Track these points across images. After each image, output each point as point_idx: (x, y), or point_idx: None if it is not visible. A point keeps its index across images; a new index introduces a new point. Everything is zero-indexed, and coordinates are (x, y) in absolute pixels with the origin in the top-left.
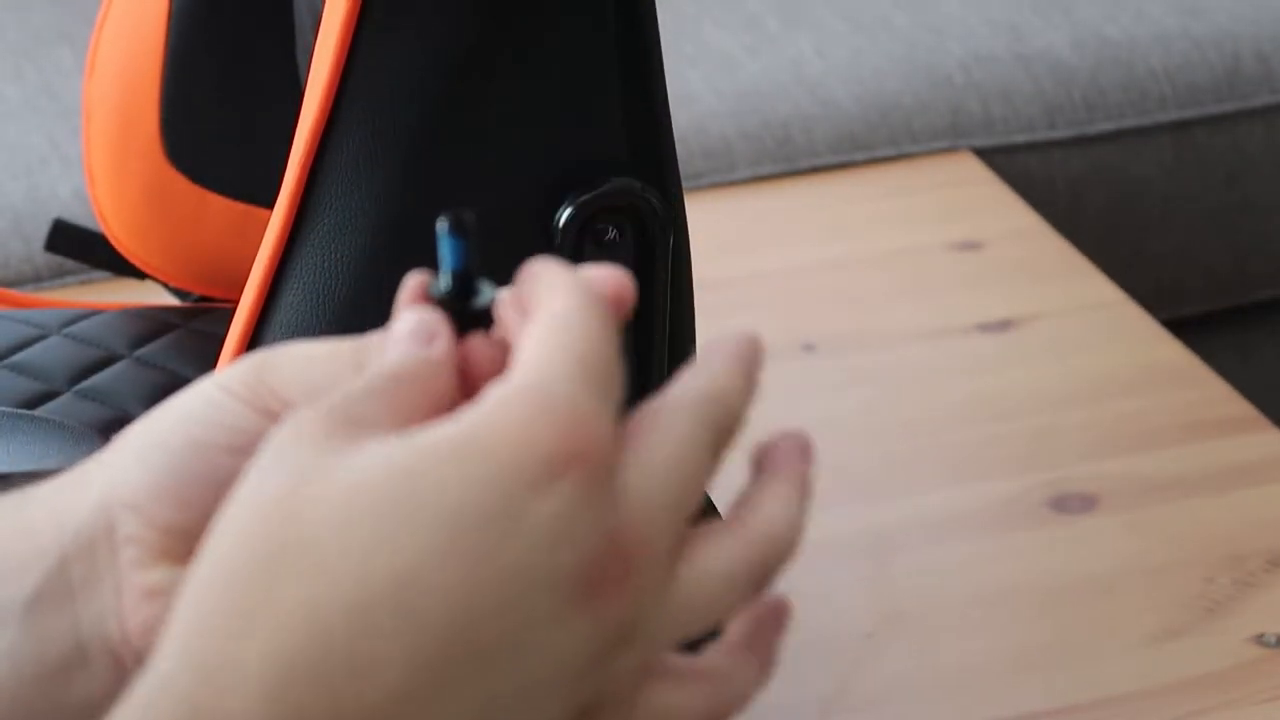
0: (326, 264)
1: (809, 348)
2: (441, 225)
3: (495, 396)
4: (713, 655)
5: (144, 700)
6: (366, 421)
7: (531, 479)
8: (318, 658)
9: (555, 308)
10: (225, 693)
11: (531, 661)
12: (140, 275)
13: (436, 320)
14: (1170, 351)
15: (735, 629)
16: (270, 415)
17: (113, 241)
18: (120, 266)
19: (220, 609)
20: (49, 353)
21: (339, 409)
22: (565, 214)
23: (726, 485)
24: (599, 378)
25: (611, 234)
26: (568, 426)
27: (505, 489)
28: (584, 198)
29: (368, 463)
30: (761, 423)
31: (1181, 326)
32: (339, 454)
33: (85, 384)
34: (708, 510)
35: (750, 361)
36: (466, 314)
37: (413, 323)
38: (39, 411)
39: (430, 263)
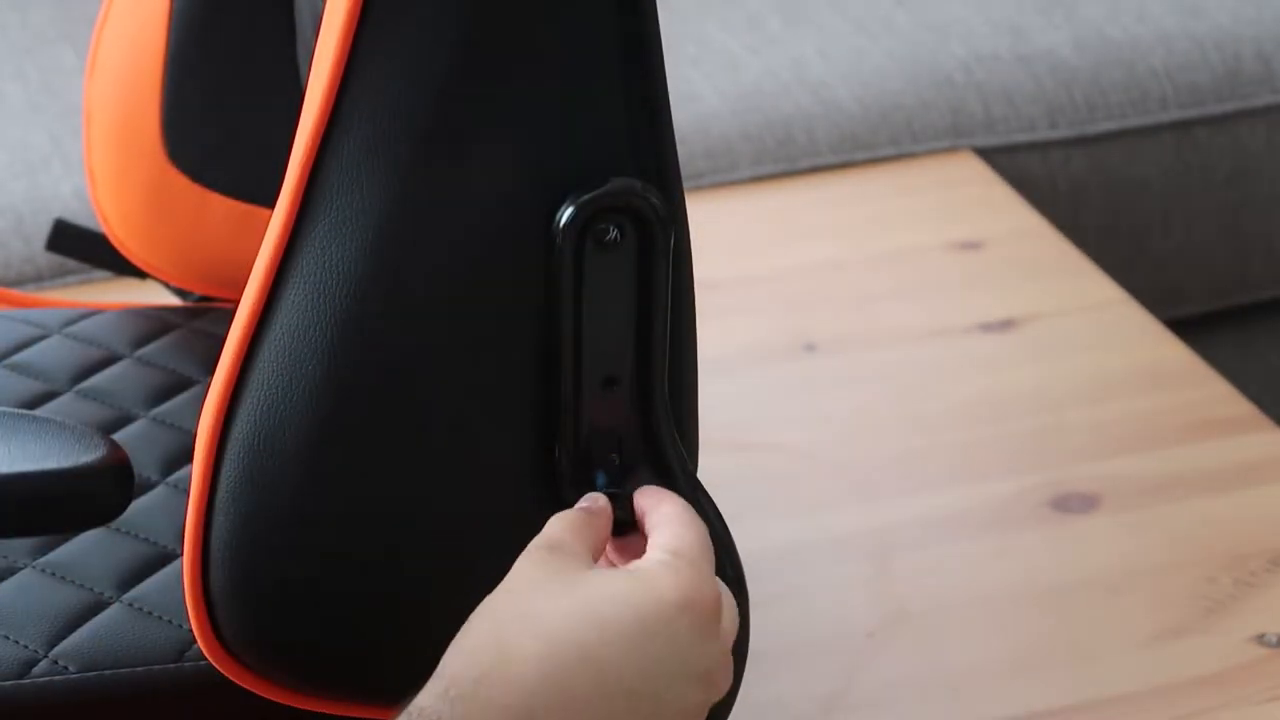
0: (327, 264)
1: (809, 348)
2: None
3: (658, 558)
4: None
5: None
6: (572, 550)
7: (680, 611)
8: (555, 700)
9: (679, 503)
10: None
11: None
12: (141, 275)
13: (601, 497)
14: (1171, 351)
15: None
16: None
17: (114, 241)
18: (121, 266)
19: (467, 672)
20: (50, 353)
21: (558, 542)
22: (566, 214)
23: (727, 487)
24: (710, 552)
25: (612, 234)
26: (705, 587)
27: (666, 615)
28: (584, 198)
29: (585, 590)
30: (762, 422)
31: (1183, 326)
32: (559, 577)
33: (86, 384)
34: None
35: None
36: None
37: (589, 497)
38: (39, 411)
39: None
